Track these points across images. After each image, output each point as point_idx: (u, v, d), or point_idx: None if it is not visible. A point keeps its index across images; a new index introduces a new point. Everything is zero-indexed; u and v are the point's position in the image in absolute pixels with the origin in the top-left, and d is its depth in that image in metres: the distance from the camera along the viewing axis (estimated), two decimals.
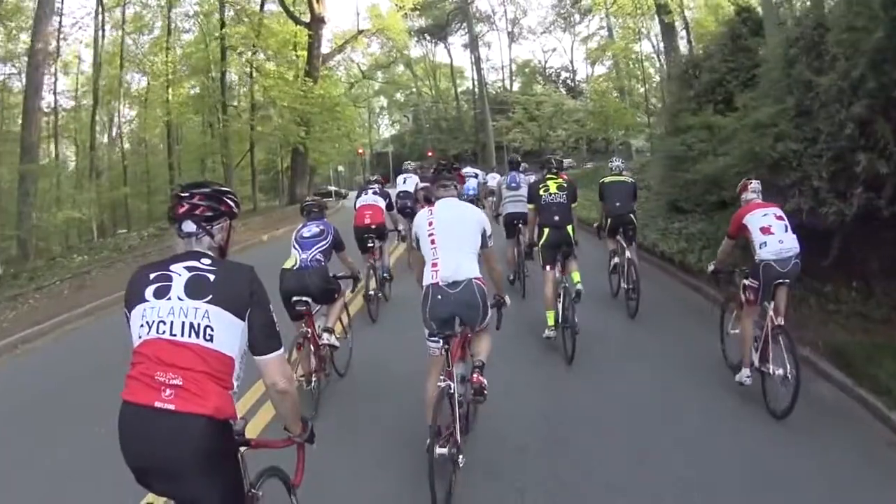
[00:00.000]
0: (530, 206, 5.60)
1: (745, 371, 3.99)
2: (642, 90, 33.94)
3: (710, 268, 4.51)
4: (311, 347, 4.12)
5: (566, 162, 23.30)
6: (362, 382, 4.63)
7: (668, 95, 20.37)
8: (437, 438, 2.81)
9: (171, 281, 1.74)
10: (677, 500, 2.98)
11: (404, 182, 9.35)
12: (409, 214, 8.97)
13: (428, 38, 44.68)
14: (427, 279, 3.20)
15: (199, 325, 1.68)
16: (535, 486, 3.11)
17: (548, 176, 5.54)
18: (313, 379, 4.08)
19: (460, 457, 2.95)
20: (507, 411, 3.88)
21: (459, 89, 46.22)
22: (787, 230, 3.88)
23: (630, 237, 6.26)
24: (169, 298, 1.72)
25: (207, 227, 1.86)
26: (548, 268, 5.17)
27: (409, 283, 7.07)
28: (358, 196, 7.27)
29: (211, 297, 1.72)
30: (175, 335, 1.67)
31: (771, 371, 3.76)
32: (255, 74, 24.70)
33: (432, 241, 3.24)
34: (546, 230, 5.24)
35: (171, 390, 1.62)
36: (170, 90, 24.44)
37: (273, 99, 24.04)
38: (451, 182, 3.54)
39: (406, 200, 9.07)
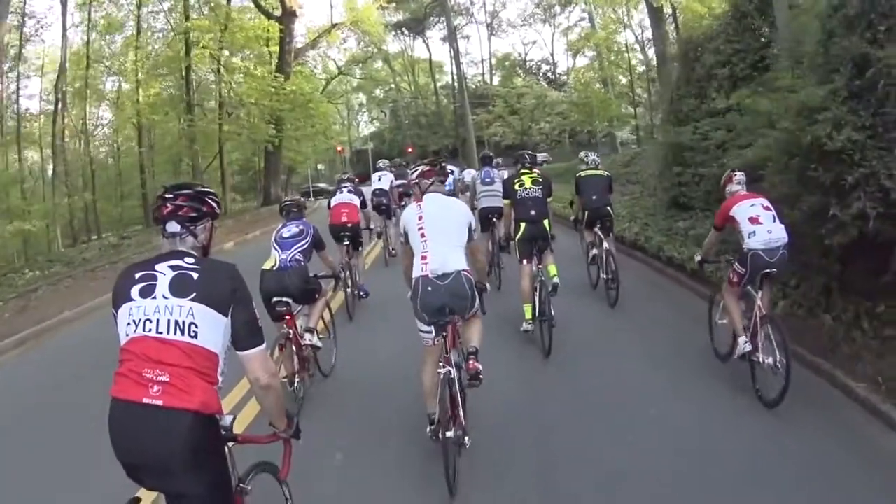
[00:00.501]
0: (506, 200, 5.69)
1: (742, 339, 3.92)
2: (625, 81, 33.72)
3: (697, 258, 4.63)
4: (293, 348, 4.12)
5: (540, 157, 23.43)
6: (346, 382, 4.63)
7: (662, 83, 19.08)
8: (440, 424, 2.91)
9: (155, 280, 1.79)
10: (671, 495, 2.95)
11: (379, 180, 9.53)
12: (385, 211, 9.13)
13: (406, 32, 44.39)
14: (417, 271, 3.28)
15: (184, 322, 1.74)
16: (526, 482, 3.11)
17: (522, 171, 5.62)
18: (296, 380, 4.09)
19: (466, 438, 3.06)
20: (490, 406, 3.88)
21: (439, 84, 46.05)
22: (775, 220, 3.93)
23: (607, 229, 6.42)
24: (154, 297, 1.77)
25: (191, 228, 1.93)
26: (524, 262, 5.26)
27: (382, 282, 7.16)
28: (332, 195, 7.40)
29: (195, 294, 1.77)
30: (161, 333, 1.73)
31: (760, 360, 3.77)
32: (222, 71, 24.03)
33: (422, 235, 3.32)
34: (522, 224, 5.33)
35: (159, 387, 1.67)
36: (140, 90, 23.80)
37: (241, 96, 23.52)
38: (440, 178, 3.65)
39: (382, 198, 9.22)
